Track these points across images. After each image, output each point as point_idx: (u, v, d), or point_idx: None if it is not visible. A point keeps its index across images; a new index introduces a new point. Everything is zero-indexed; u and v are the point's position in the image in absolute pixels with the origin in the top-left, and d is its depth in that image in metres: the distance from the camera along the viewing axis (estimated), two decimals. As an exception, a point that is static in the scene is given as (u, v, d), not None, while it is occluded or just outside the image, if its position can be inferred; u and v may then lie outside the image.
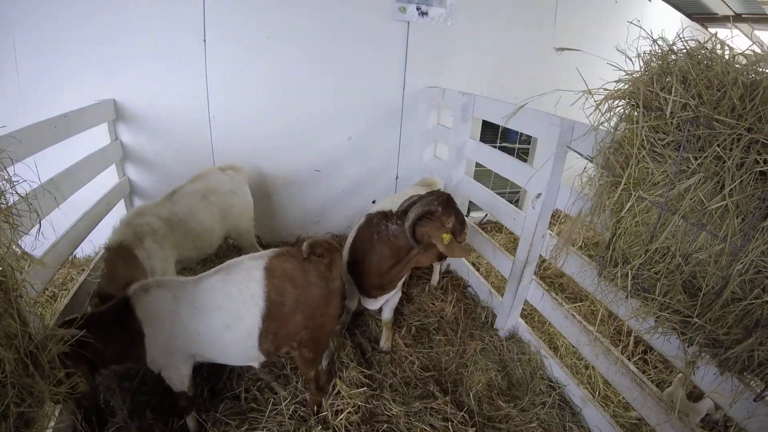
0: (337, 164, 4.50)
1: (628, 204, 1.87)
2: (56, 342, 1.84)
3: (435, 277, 3.93)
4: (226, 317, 2.25)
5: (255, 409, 2.68)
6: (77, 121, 3.03)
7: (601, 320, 3.41)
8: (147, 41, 3.64)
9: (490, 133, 4.99)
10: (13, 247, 1.67)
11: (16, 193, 1.67)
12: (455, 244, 2.58)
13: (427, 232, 2.55)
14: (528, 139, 5.30)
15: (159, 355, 2.31)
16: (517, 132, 5.25)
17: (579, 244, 2.79)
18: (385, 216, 2.73)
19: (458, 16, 4.31)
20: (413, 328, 3.39)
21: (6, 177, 1.64)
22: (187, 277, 2.41)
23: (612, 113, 1.99)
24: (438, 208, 2.54)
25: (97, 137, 3.58)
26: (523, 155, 5.27)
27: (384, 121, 4.45)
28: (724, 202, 1.56)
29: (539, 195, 2.74)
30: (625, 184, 1.88)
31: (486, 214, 4.87)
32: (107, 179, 3.64)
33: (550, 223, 2.93)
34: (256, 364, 2.49)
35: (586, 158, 2.23)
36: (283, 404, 2.66)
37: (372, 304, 3.03)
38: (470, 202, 4.89)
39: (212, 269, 2.41)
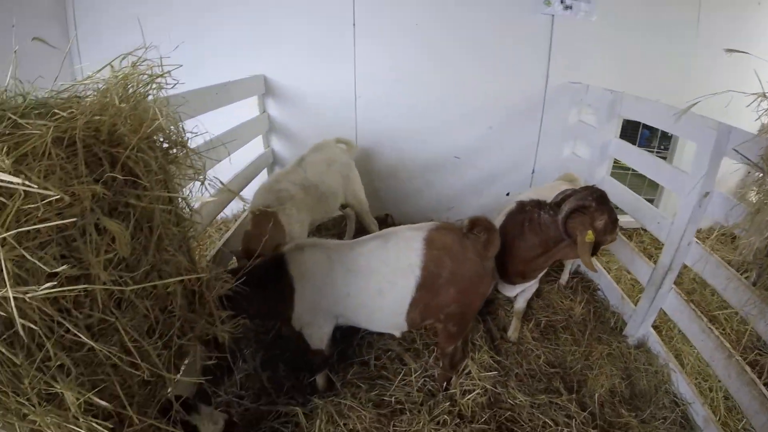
0: (476, 153, 4.80)
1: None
2: (221, 284, 2.09)
3: (564, 276, 4.11)
4: (381, 282, 2.46)
5: (384, 377, 2.95)
6: (233, 90, 3.57)
7: (737, 339, 3.46)
8: (299, 23, 4.24)
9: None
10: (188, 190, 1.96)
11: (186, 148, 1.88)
12: (588, 247, 2.67)
13: (575, 225, 2.66)
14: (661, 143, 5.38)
15: (305, 312, 2.57)
16: (645, 135, 5.40)
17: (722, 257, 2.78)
18: (538, 204, 2.87)
19: (602, 11, 4.46)
20: (542, 322, 3.58)
21: (183, 128, 1.90)
22: (339, 240, 2.71)
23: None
24: (592, 203, 2.64)
25: (247, 109, 4.19)
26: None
27: (524, 114, 4.70)
28: None
29: (707, 194, 2.74)
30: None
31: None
32: (254, 148, 4.22)
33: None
34: (397, 333, 2.71)
35: (751, 164, 2.27)
36: (413, 376, 2.93)
37: (509, 291, 3.24)
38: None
39: (368, 236, 2.67)
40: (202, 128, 2.26)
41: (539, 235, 2.83)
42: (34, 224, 1.17)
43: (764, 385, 2.43)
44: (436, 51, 4.46)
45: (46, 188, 1.11)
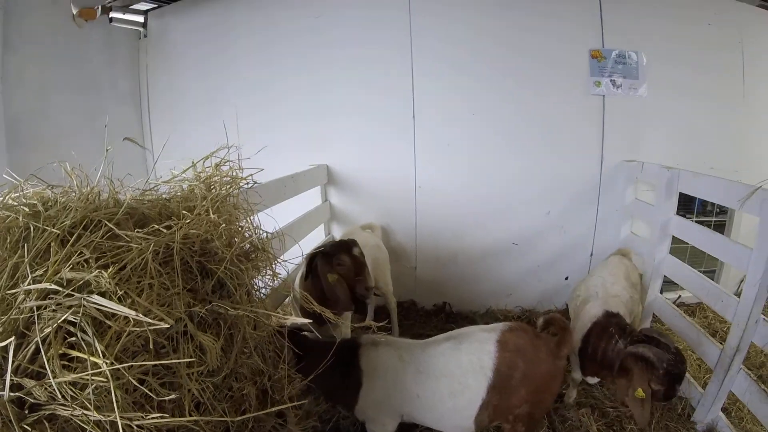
0: (534, 238, 4.76)
1: None
2: (289, 382, 2.07)
3: None
4: (454, 384, 2.41)
5: None
6: (300, 181, 3.69)
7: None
8: (361, 113, 4.42)
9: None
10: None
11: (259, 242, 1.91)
12: (635, 401, 2.59)
13: (629, 371, 2.62)
14: (717, 210, 5.26)
15: (369, 408, 2.54)
16: (700, 201, 5.29)
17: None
18: (619, 327, 2.87)
19: (650, 87, 4.50)
20: (610, 413, 3.37)
21: (257, 224, 1.97)
22: (412, 340, 2.69)
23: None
24: (662, 367, 2.50)
25: (310, 198, 4.29)
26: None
27: (581, 197, 4.67)
28: None
29: None
30: None
31: (679, 296, 4.90)
32: (315, 235, 4.30)
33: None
34: None
35: None
36: None
37: (592, 380, 3.27)
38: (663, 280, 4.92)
39: (440, 336, 2.64)
40: (270, 220, 2.34)
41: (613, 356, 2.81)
42: (133, 340, 1.19)
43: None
44: (495, 138, 4.54)
45: (153, 314, 1.12)
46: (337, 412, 3.17)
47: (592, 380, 3.26)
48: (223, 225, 1.51)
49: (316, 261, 2.88)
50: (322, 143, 4.53)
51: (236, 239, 1.60)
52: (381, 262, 4.02)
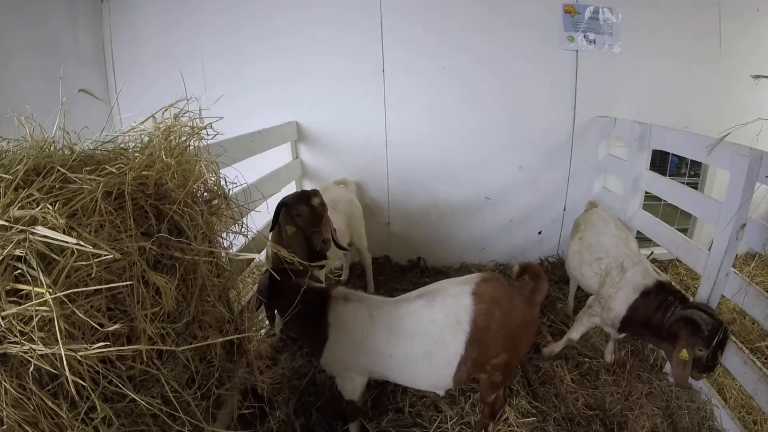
0: (507, 193, 4.80)
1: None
2: (258, 336, 2.20)
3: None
4: (429, 343, 2.35)
5: (419, 424, 2.86)
6: (268, 138, 3.66)
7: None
8: (330, 71, 4.38)
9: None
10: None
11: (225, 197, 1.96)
12: (679, 362, 2.68)
13: (678, 334, 2.72)
14: (691, 173, 5.35)
15: (335, 363, 2.52)
16: (674, 162, 5.37)
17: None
18: (676, 297, 2.93)
19: (625, 43, 4.50)
20: (585, 364, 3.48)
21: (223, 177, 2.00)
22: (384, 297, 2.61)
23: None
24: (706, 330, 2.64)
25: (280, 155, 4.28)
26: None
27: (554, 151, 4.70)
28: None
29: (744, 225, 2.73)
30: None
31: (651, 252, 4.99)
32: (286, 192, 4.31)
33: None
34: (441, 392, 2.63)
35: None
36: (449, 423, 2.84)
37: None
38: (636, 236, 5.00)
39: (412, 293, 2.57)
40: (238, 175, 2.31)
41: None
42: (83, 278, 1.19)
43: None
44: (465, 92, 4.53)
45: (99, 248, 1.12)
46: (313, 366, 3.21)
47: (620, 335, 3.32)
48: (175, 163, 1.49)
49: (281, 211, 2.87)
50: (292, 100, 4.49)
51: (191, 182, 1.58)
52: (355, 218, 4.04)
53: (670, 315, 2.85)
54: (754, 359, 2.71)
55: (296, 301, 2.31)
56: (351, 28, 4.37)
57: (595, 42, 4.49)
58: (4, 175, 1.31)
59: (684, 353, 2.65)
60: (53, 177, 1.34)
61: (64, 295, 1.09)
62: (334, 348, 2.47)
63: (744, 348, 2.82)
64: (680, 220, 5.13)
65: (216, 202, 1.88)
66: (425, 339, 2.36)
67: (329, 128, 4.57)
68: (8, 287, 1.11)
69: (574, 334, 3.42)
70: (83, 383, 1.17)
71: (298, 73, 4.43)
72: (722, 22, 4.62)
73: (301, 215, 2.84)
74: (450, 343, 2.35)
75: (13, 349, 1.11)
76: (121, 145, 1.67)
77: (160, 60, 4.41)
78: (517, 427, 2.83)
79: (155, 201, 1.48)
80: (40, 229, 1.08)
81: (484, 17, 4.40)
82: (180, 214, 1.51)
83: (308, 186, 4.67)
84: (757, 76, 2.33)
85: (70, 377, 1.12)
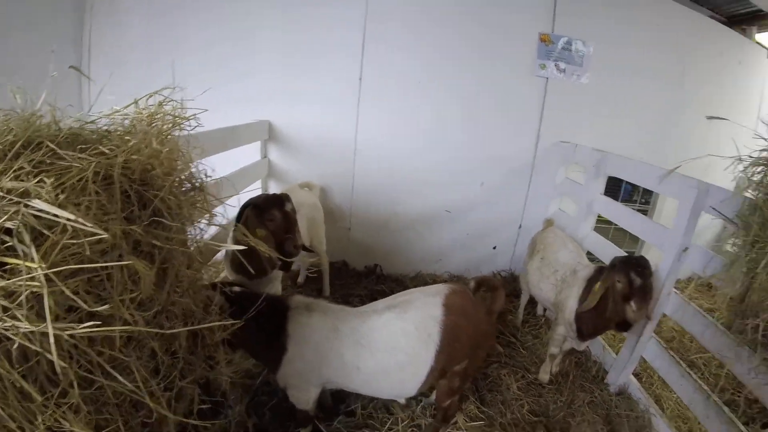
0: (466, 208, 4.93)
1: (763, 262, 2.07)
2: (220, 327, 2.01)
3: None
4: (401, 357, 2.34)
5: (370, 426, 2.89)
6: (241, 134, 3.67)
7: (715, 382, 3.48)
8: (306, 74, 4.39)
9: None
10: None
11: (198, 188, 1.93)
12: (593, 295, 2.88)
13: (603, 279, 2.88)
14: (642, 201, 5.66)
15: (291, 376, 2.43)
16: (628, 189, 5.68)
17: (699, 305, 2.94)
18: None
19: (593, 74, 4.74)
20: (530, 376, 3.61)
21: (204, 170, 2.01)
22: (348, 307, 2.59)
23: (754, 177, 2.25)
24: (619, 265, 2.82)
25: (248, 153, 4.26)
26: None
27: (516, 171, 4.88)
28: None
29: (686, 249, 2.92)
30: (761, 244, 2.10)
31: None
32: (252, 190, 4.16)
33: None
34: (402, 400, 2.70)
35: (727, 220, 2.44)
36: (400, 425, 2.88)
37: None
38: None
39: (379, 304, 2.56)
40: (209, 169, 2.28)
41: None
42: (68, 257, 1.19)
43: (743, 424, 2.53)
44: (436, 110, 4.64)
45: (96, 227, 1.12)
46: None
47: (582, 346, 3.47)
48: (165, 150, 1.50)
49: (246, 213, 2.80)
50: (265, 100, 4.48)
51: (176, 169, 1.59)
52: (317, 222, 4.05)
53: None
54: (690, 372, 2.90)
55: (251, 311, 2.23)
56: (334, 30, 4.43)
57: (565, 71, 4.71)
58: (-5, 144, 1.30)
59: (596, 286, 2.85)
60: (42, 152, 1.33)
61: (54, 273, 1.09)
62: (293, 361, 2.38)
63: (681, 362, 3.00)
64: (628, 243, 5.37)
65: (192, 193, 1.87)
66: (397, 352, 2.34)
67: (301, 130, 4.58)
68: (-3, 261, 1.09)
69: (552, 349, 3.55)
70: (65, 365, 1.15)
71: (273, 72, 4.44)
72: (685, 70, 5.05)
73: (274, 220, 2.79)
74: (421, 355, 2.35)
75: (-1, 327, 1.08)
76: (105, 128, 1.66)
77: (137, 51, 4.33)
78: (466, 430, 2.94)
79: (139, 186, 1.48)
80: (37, 203, 1.08)
81: (459, 43, 4.57)
82: (164, 201, 1.51)
83: (273, 186, 4.69)
84: (711, 117, 2.53)
85: (56, 360, 1.10)
